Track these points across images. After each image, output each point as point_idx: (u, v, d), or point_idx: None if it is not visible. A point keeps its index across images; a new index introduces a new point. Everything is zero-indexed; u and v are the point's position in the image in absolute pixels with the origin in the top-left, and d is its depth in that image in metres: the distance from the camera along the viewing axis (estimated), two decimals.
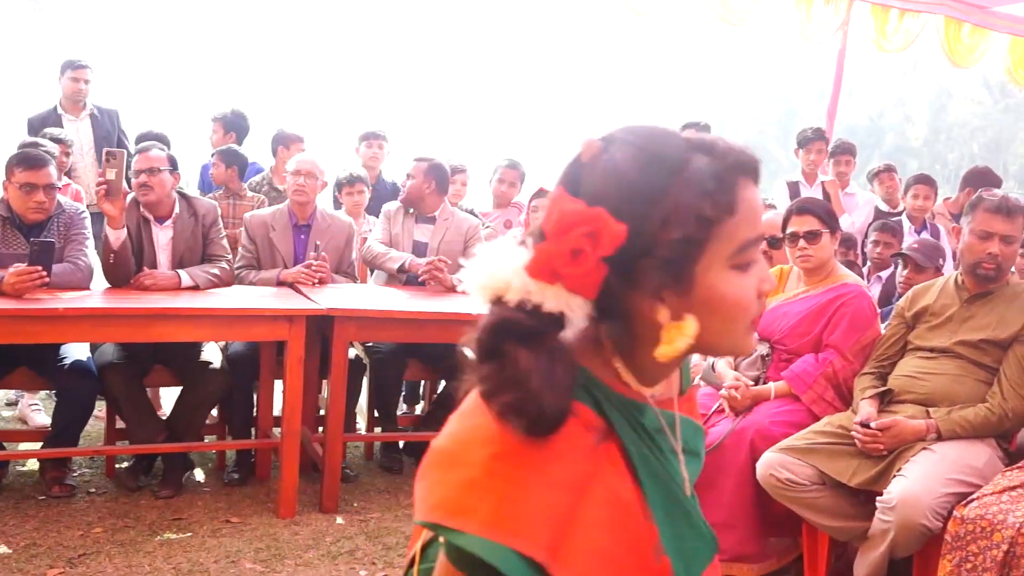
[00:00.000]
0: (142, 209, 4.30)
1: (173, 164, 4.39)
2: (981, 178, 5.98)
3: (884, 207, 6.47)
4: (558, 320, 1.03)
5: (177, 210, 4.35)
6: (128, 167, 4.25)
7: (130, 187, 4.29)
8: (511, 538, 0.95)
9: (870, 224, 5.81)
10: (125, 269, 4.16)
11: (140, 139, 5.86)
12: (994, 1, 7.18)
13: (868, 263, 5.51)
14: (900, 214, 6.18)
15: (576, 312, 1.04)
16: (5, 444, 4.21)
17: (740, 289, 1.09)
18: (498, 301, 1.04)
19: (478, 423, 1.05)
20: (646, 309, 1.07)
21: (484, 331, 1.03)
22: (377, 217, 5.21)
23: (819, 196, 6.13)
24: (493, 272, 1.04)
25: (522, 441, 1.00)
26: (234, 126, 6.14)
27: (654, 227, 1.03)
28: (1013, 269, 3.53)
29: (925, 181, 6.10)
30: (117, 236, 4.09)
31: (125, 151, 4.22)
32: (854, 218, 6.23)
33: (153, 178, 4.24)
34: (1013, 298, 3.36)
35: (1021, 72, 7.64)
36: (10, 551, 3.48)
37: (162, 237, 4.32)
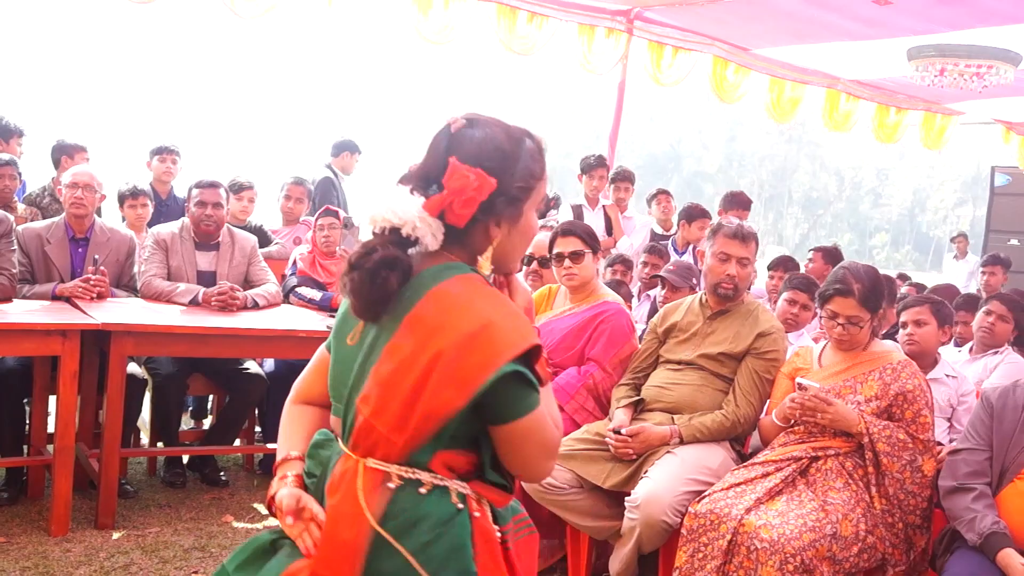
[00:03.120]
0: None
1: None
2: (693, 211, 6.47)
3: (660, 230, 6.93)
4: (410, 245, 1.65)
5: None
6: None
7: None
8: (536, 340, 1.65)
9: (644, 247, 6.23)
10: None
11: None
12: (756, 43, 7.84)
13: (639, 283, 5.90)
14: (671, 237, 6.65)
15: (436, 238, 1.64)
16: None
17: (535, 222, 1.80)
18: (382, 232, 1.64)
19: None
20: (485, 232, 1.69)
21: (375, 263, 1.61)
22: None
23: (600, 219, 6.53)
24: (398, 210, 1.62)
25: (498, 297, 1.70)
26: None
27: (511, 178, 1.68)
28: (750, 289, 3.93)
29: (699, 215, 6.53)
30: None
31: None
32: (632, 240, 6.65)
33: None
34: (747, 315, 3.75)
35: (778, 110, 8.37)
36: None
37: None
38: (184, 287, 4.63)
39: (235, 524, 4.25)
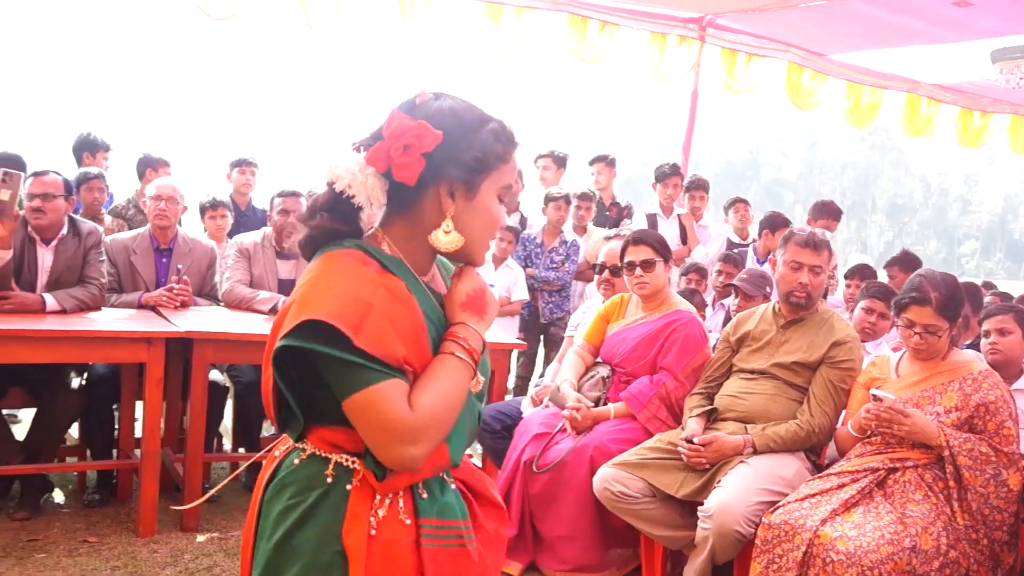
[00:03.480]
0: (30, 229, 4.29)
1: (68, 190, 4.39)
2: (776, 220, 6.38)
3: (736, 239, 6.86)
4: (355, 218, 1.62)
5: (64, 232, 4.35)
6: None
7: (22, 208, 4.25)
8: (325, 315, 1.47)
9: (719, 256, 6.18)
10: (4, 289, 4.13)
11: None
12: (831, 48, 7.73)
13: (714, 292, 5.86)
14: (749, 245, 6.59)
15: (377, 201, 1.60)
16: None
17: (498, 210, 1.67)
18: (328, 189, 1.60)
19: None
20: (436, 201, 1.60)
21: (312, 233, 1.62)
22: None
23: (675, 228, 6.50)
24: (335, 165, 1.58)
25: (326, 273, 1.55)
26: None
27: (463, 144, 1.59)
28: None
29: (782, 224, 6.46)
30: (1, 256, 4.07)
31: (21, 174, 4.19)
32: (707, 249, 6.61)
33: (48, 203, 4.24)
34: (821, 324, 3.70)
35: (856, 115, 8.23)
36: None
37: (46, 259, 4.30)
38: (265, 295, 4.75)
39: None
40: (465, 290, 1.67)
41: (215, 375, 4.58)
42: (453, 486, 1.72)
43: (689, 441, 3.54)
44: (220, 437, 5.02)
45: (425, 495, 1.65)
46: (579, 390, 4.13)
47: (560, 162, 6.83)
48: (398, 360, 1.52)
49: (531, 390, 6.22)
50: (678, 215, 6.69)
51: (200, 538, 4.11)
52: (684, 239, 6.58)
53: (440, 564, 1.63)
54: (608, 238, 5.72)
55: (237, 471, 4.83)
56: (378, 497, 1.59)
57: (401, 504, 1.61)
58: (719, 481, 3.42)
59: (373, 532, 1.57)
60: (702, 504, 3.40)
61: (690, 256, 6.40)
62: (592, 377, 4.17)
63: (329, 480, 1.58)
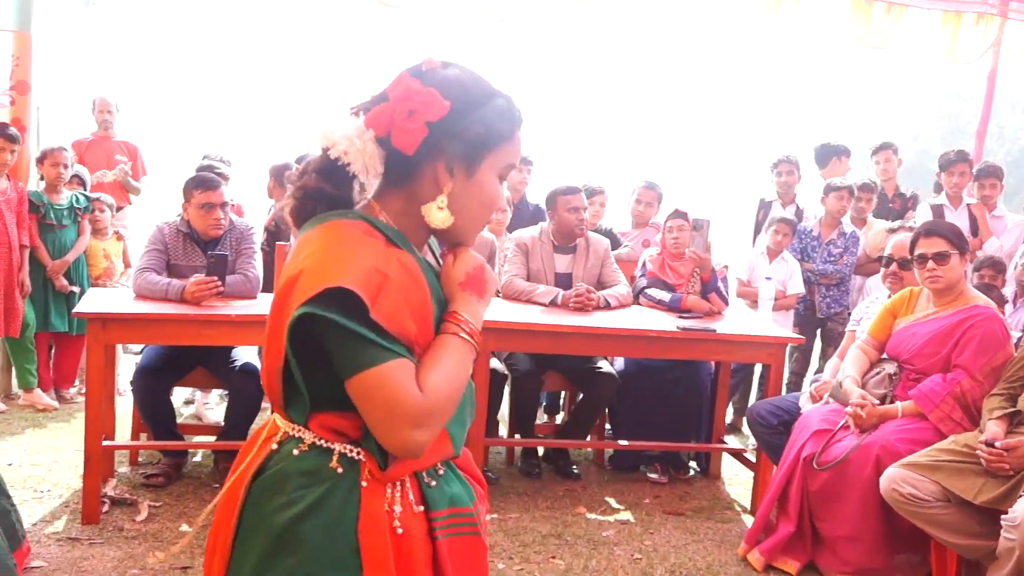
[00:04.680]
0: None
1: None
2: None
3: None
4: (350, 185, 1.53)
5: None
6: None
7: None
8: (350, 283, 1.38)
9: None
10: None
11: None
12: None
13: (1014, 286, 5.41)
14: None
15: (373, 169, 1.51)
16: (185, 437, 4.67)
17: (496, 190, 1.58)
18: (322, 154, 1.51)
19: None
20: (432, 175, 1.51)
21: (302, 196, 1.54)
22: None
23: (964, 219, 6.08)
24: (331, 129, 1.49)
25: (337, 241, 1.45)
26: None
27: (468, 118, 1.50)
28: None
29: None
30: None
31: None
32: (1003, 241, 6.12)
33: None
34: None
35: None
36: (192, 530, 3.90)
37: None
38: (544, 288, 4.89)
39: (588, 515, 4.43)
40: (464, 268, 1.57)
41: (494, 363, 4.77)
42: (457, 471, 1.66)
43: (990, 445, 3.31)
44: (496, 423, 5.23)
45: (433, 483, 1.58)
46: (863, 387, 3.96)
47: (834, 152, 6.59)
48: (409, 338, 1.44)
49: (806, 386, 6.04)
50: (967, 205, 6.23)
51: None
52: (975, 231, 6.13)
53: (458, 555, 1.58)
54: (892, 230, 5.45)
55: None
56: (389, 490, 1.52)
57: (411, 496, 1.54)
58: None
59: (400, 530, 1.50)
60: (1005, 513, 3.17)
61: (982, 249, 5.95)
62: (878, 374, 3.99)
63: (339, 471, 1.49)
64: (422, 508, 1.55)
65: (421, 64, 1.52)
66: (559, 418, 6.02)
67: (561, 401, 6.08)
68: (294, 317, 1.39)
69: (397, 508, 1.51)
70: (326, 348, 1.41)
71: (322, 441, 1.50)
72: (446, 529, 1.57)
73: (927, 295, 3.97)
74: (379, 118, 1.47)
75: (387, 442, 1.43)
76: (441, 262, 1.63)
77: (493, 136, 1.53)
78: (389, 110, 1.47)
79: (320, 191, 1.52)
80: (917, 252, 3.87)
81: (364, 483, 1.49)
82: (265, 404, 4.91)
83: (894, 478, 3.44)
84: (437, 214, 1.52)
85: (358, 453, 1.50)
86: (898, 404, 3.81)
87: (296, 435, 1.52)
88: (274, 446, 1.53)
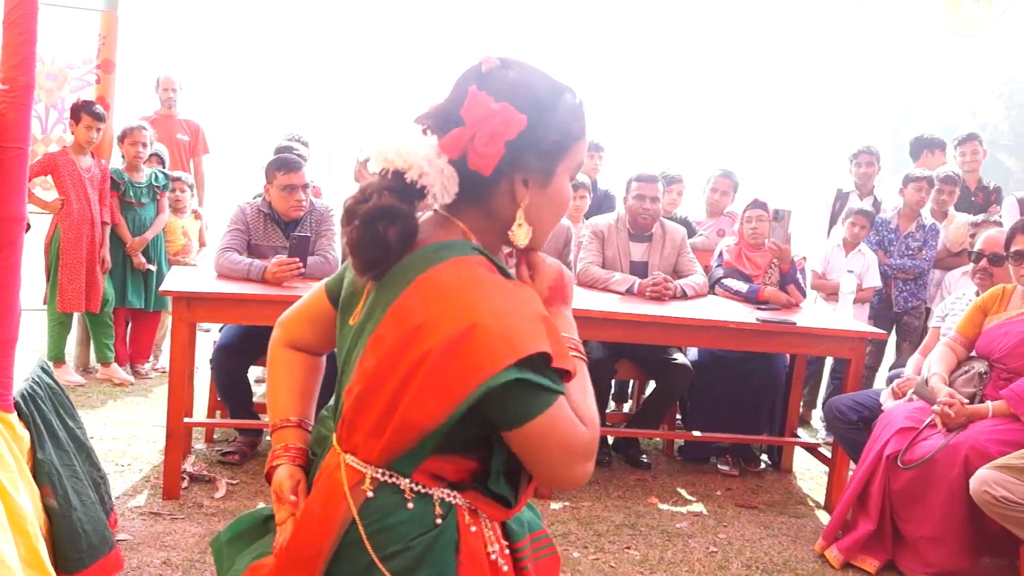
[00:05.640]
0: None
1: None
2: None
3: None
4: (418, 196, 1.40)
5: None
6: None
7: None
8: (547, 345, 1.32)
9: None
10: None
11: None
12: None
13: None
14: None
15: (451, 190, 1.39)
16: (260, 416, 4.72)
17: (569, 193, 1.50)
18: (384, 175, 1.39)
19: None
20: (510, 191, 1.42)
21: (370, 212, 1.38)
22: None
23: None
24: (404, 149, 1.37)
25: (491, 288, 1.36)
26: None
27: (542, 128, 1.40)
28: None
29: None
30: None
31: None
32: None
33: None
34: None
35: None
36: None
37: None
38: (620, 276, 4.85)
39: (660, 506, 4.40)
40: (546, 284, 1.50)
41: None
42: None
43: None
44: None
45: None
46: (951, 385, 3.87)
47: (927, 145, 6.46)
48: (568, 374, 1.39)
49: (879, 381, 5.94)
50: None
51: (554, 505, 4.30)
52: None
53: None
54: (975, 224, 5.32)
55: None
56: (486, 532, 1.46)
57: (498, 530, 1.49)
58: None
59: (505, 567, 1.46)
60: None
61: None
62: (966, 372, 3.89)
63: (439, 521, 1.41)
64: (507, 542, 1.50)
65: (480, 66, 1.42)
66: (627, 407, 5.99)
67: (630, 389, 6.04)
68: (490, 386, 1.29)
69: (495, 547, 1.46)
70: (491, 404, 1.32)
71: (421, 487, 1.42)
72: (531, 557, 1.53)
73: (1021, 292, 3.86)
74: (456, 143, 1.37)
75: (559, 482, 1.39)
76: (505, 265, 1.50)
77: (568, 140, 1.45)
78: (467, 135, 1.36)
79: (397, 210, 1.38)
80: (1013, 249, 3.76)
81: (473, 528, 1.44)
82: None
83: (986, 479, 3.35)
84: (519, 232, 1.44)
85: (454, 497, 1.43)
86: (988, 404, 3.72)
87: (390, 481, 1.41)
88: (369, 494, 1.41)
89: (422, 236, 1.42)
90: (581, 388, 1.42)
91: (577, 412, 1.37)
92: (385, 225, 1.36)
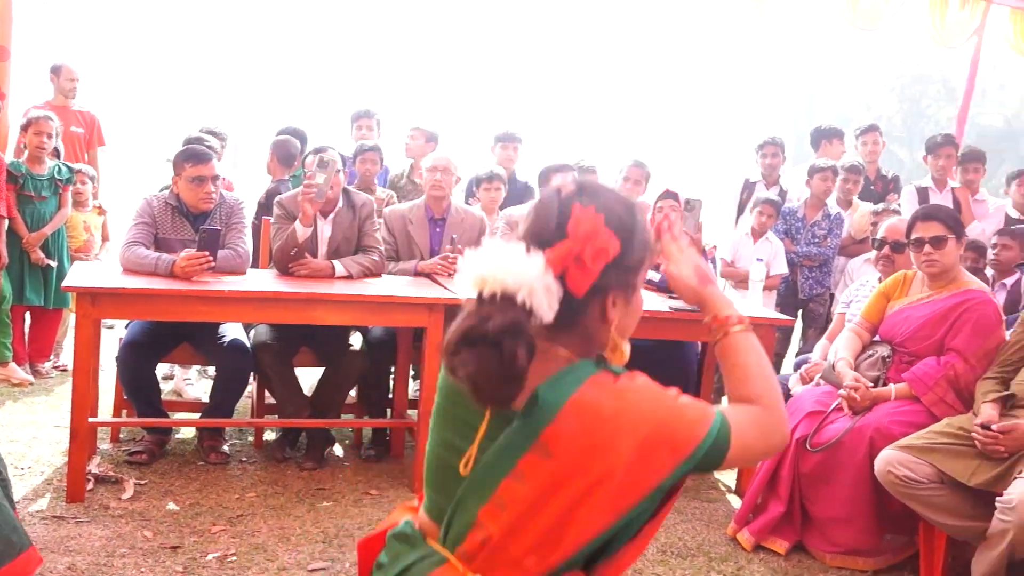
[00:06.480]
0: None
1: (343, 163, 4.67)
2: None
3: (1015, 214, 6.38)
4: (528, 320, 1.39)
5: (340, 204, 4.64)
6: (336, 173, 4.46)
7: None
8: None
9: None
10: (298, 259, 4.45)
11: (280, 132, 6.21)
12: None
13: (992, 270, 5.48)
14: None
15: (551, 309, 1.39)
16: (168, 413, 4.61)
17: (642, 301, 1.60)
18: (491, 299, 1.38)
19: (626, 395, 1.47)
20: (601, 311, 1.48)
21: (499, 330, 1.36)
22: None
23: (948, 203, 6.13)
24: (515, 269, 1.38)
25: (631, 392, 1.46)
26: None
27: (630, 248, 1.48)
28: None
29: None
30: (304, 232, 4.39)
31: (337, 160, 4.51)
32: (984, 225, 6.18)
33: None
34: None
35: None
36: (178, 508, 3.86)
37: (325, 231, 4.61)
38: None
39: None
40: (690, 272, 1.64)
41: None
42: None
43: (985, 427, 3.35)
44: None
45: None
46: (856, 369, 3.99)
47: (825, 135, 6.63)
48: None
49: (787, 367, 6.08)
50: (952, 189, 6.29)
51: None
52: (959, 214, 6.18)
53: None
54: (877, 212, 5.48)
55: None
56: None
57: None
58: (1021, 472, 3.21)
59: None
60: (998, 495, 3.21)
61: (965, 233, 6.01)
62: (871, 356, 4.01)
63: None
64: None
65: (558, 190, 1.50)
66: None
67: None
68: (688, 467, 1.45)
69: None
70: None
71: None
72: None
73: (921, 278, 4.00)
74: (562, 259, 1.41)
75: (769, 453, 1.64)
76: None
77: (647, 255, 1.54)
78: (575, 251, 1.41)
79: (522, 326, 1.37)
80: (914, 236, 3.89)
81: None
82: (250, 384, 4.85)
83: (890, 460, 3.46)
84: (616, 356, 1.53)
85: None
86: (891, 387, 3.84)
87: None
88: None
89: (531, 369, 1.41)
90: (737, 363, 1.58)
91: (743, 392, 1.55)
92: (513, 342, 1.35)
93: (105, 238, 6.25)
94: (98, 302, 3.79)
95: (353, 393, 4.93)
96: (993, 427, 3.33)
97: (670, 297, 4.74)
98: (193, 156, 4.39)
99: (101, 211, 6.21)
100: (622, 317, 1.52)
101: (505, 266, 1.38)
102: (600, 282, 1.44)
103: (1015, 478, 3.21)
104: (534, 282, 1.37)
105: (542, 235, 1.44)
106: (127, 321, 4.63)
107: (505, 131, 6.32)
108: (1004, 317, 3.97)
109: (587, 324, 1.49)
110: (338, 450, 4.83)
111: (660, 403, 1.44)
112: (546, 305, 1.38)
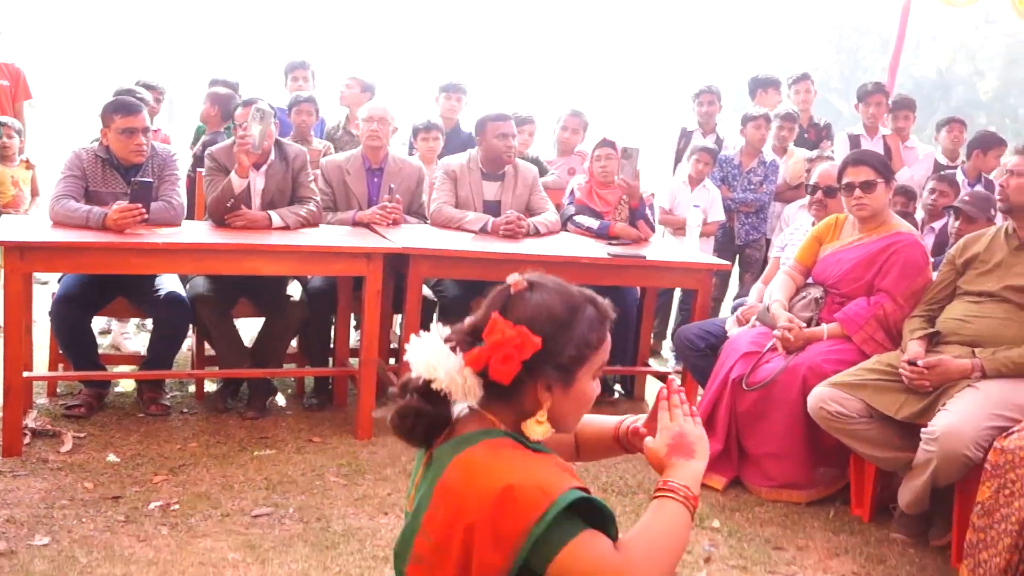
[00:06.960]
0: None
1: (275, 115, 4.61)
2: (989, 139, 6.16)
3: (944, 160, 6.53)
4: (448, 403, 1.63)
5: (272, 156, 4.59)
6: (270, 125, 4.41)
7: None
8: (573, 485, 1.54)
9: (928, 177, 5.91)
10: (234, 211, 4.39)
11: (212, 83, 6.11)
12: None
13: (923, 213, 5.61)
14: (957, 167, 6.26)
15: (473, 396, 1.60)
16: (106, 367, 4.55)
17: (592, 391, 1.67)
18: (416, 380, 1.61)
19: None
20: (533, 394, 1.61)
21: (402, 407, 1.64)
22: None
23: (880, 149, 6.24)
24: (434, 363, 1.59)
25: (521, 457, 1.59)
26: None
27: (561, 346, 1.59)
28: None
29: (995, 143, 6.12)
30: (240, 183, 4.33)
31: (272, 111, 4.45)
32: (913, 171, 6.32)
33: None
34: None
35: None
36: (119, 459, 3.84)
37: (258, 183, 4.55)
38: (473, 215, 4.87)
39: None
40: (663, 442, 1.68)
41: (424, 291, 4.75)
42: None
43: (912, 363, 3.46)
44: None
45: None
46: (790, 310, 4.08)
47: (762, 84, 6.70)
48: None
49: (724, 310, 6.19)
50: (883, 136, 6.41)
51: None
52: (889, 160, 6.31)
53: None
54: (811, 159, 5.57)
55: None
56: None
57: None
58: (944, 404, 3.33)
59: None
60: (924, 427, 3.33)
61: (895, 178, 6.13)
62: (804, 298, 4.10)
63: None
64: None
65: (509, 287, 1.62)
66: None
67: None
68: (537, 535, 1.48)
69: None
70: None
71: None
72: None
73: (852, 222, 4.08)
74: (476, 361, 1.57)
75: None
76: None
77: (586, 351, 1.62)
78: (485, 355, 1.56)
79: (422, 411, 1.62)
80: (844, 181, 3.97)
81: None
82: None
83: (821, 396, 3.57)
84: (536, 428, 1.63)
85: None
86: (824, 327, 3.94)
87: None
88: None
89: (460, 427, 1.64)
90: (643, 525, 1.60)
91: (619, 542, 1.55)
92: (412, 421, 1.63)
93: (34, 193, 6.10)
94: (27, 256, 3.72)
95: (295, 343, 4.92)
96: (919, 363, 3.44)
97: (609, 243, 4.79)
98: (122, 107, 4.29)
99: (29, 165, 6.05)
100: (559, 403, 1.63)
101: (428, 361, 1.60)
102: (526, 373, 1.58)
103: (939, 410, 3.33)
104: (447, 378, 1.57)
105: (467, 335, 1.62)
106: (61, 275, 4.55)
107: (449, 81, 6.27)
108: (931, 259, 4.08)
109: (521, 401, 1.63)
110: (280, 400, 4.82)
111: (520, 470, 1.54)
112: (460, 393, 1.59)
